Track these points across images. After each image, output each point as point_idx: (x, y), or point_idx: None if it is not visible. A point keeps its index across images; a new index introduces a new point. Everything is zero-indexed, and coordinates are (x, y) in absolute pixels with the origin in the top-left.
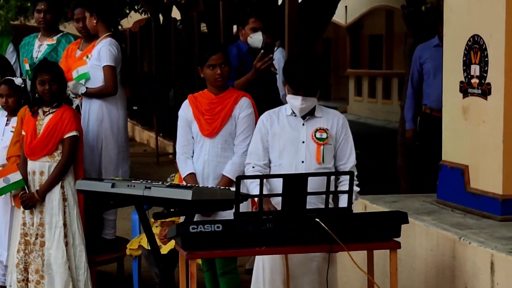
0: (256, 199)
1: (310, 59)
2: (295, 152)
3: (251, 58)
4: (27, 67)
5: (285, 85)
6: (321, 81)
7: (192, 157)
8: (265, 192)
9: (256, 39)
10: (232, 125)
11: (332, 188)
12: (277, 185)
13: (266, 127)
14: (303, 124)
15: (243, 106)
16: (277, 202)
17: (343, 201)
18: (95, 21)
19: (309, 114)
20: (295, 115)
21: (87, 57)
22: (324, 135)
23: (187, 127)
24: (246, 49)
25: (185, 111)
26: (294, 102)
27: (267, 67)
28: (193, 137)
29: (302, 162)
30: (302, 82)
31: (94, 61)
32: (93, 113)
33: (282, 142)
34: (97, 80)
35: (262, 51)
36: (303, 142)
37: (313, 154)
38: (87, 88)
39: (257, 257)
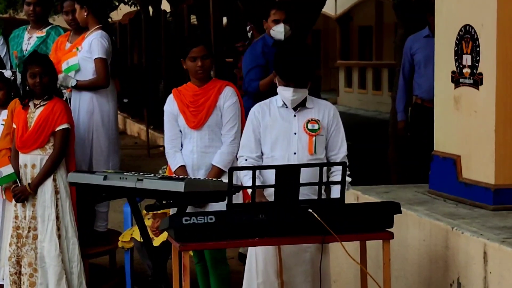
0: (248, 191)
1: (300, 51)
2: (287, 143)
3: None
4: (16, 60)
5: (276, 77)
6: (311, 73)
7: (181, 150)
8: (258, 183)
9: (278, 31)
10: (217, 115)
11: (324, 179)
12: (270, 177)
13: (258, 119)
14: (295, 116)
15: (227, 95)
16: (269, 194)
17: (335, 192)
18: (85, 14)
19: (300, 106)
20: (286, 107)
21: (77, 49)
22: (316, 126)
23: (174, 121)
24: (271, 43)
25: (170, 105)
26: (285, 93)
27: None
28: (180, 131)
29: (294, 153)
30: (292, 73)
31: (85, 53)
32: (84, 105)
33: (274, 134)
34: (88, 73)
35: None
36: (295, 133)
37: (305, 145)
38: (77, 80)
39: (250, 248)
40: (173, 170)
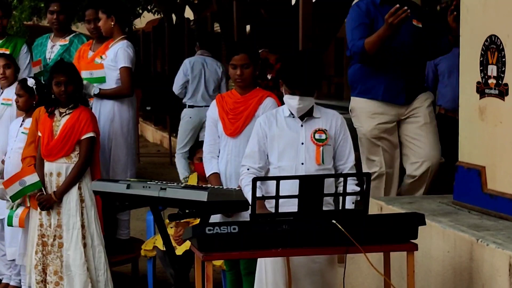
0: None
1: (306, 59)
2: (294, 154)
3: (386, 10)
4: (37, 69)
5: (282, 85)
6: (318, 81)
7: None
8: (260, 194)
9: None
10: None
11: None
12: (273, 187)
13: (264, 130)
14: (302, 126)
15: (267, 106)
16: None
17: (348, 202)
18: (112, 23)
19: (307, 115)
20: (293, 116)
21: (101, 57)
22: (323, 136)
23: (214, 126)
24: (379, 1)
25: (212, 110)
26: (291, 102)
27: (401, 21)
28: (219, 137)
29: (302, 164)
30: (298, 81)
31: (110, 62)
32: (104, 112)
33: (282, 144)
34: (111, 81)
35: (398, 5)
36: (302, 143)
37: (312, 155)
38: (100, 89)
39: (259, 258)
40: (207, 175)
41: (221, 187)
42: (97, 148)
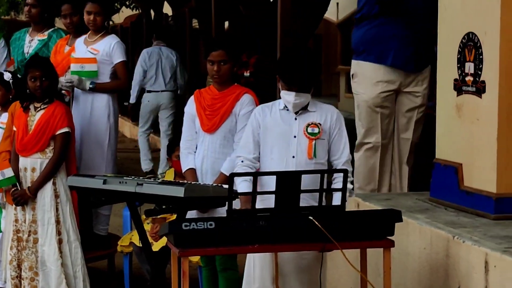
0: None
1: (304, 56)
2: (286, 146)
3: None
4: (11, 69)
5: (279, 81)
6: (314, 78)
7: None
8: (247, 188)
9: None
10: (232, 121)
11: (326, 185)
12: (268, 180)
13: (258, 121)
14: (296, 119)
15: (244, 103)
16: (268, 197)
17: (336, 199)
18: (103, 18)
19: (302, 109)
20: (288, 110)
21: (91, 53)
22: (316, 130)
23: (191, 122)
24: None
25: (190, 106)
26: (288, 98)
27: None
28: (196, 132)
29: (293, 157)
30: (295, 78)
31: (105, 56)
32: (101, 107)
33: (274, 136)
34: (105, 75)
35: None
36: (295, 136)
37: (304, 149)
38: (96, 83)
39: (248, 254)
40: (183, 171)
41: (197, 182)
42: (72, 143)
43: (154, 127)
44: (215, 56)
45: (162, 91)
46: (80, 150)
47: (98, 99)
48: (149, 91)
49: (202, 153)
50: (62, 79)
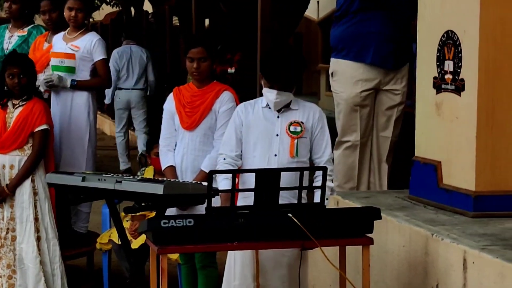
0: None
1: (287, 54)
2: (268, 144)
3: None
4: None
5: (262, 78)
6: (297, 76)
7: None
8: (228, 186)
9: None
10: (212, 119)
11: (306, 183)
12: (250, 177)
13: (241, 118)
14: (278, 117)
15: (224, 100)
16: (250, 195)
17: (317, 197)
18: (84, 14)
19: (284, 107)
20: (270, 107)
21: (72, 49)
22: (298, 129)
23: (170, 119)
24: None
25: (169, 103)
26: (269, 95)
27: None
28: (176, 130)
29: (275, 155)
30: (277, 76)
31: (86, 53)
32: (80, 105)
33: (256, 134)
34: (85, 72)
35: None
36: (277, 135)
37: (286, 147)
38: (77, 80)
39: (229, 251)
40: (162, 168)
41: (177, 180)
42: (51, 141)
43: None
44: (194, 53)
45: (132, 89)
46: (60, 147)
47: (78, 97)
48: (120, 88)
49: (182, 151)
50: (41, 77)
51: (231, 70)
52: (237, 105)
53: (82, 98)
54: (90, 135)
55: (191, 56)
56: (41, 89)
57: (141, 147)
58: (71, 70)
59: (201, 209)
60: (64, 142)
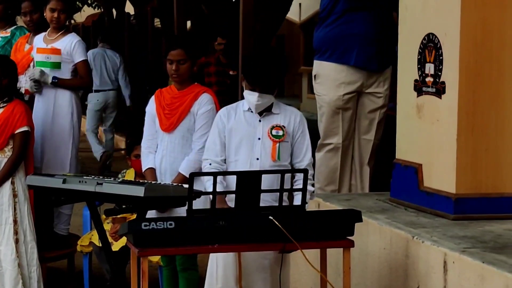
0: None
1: (269, 57)
2: (250, 148)
3: None
4: None
5: (243, 80)
6: (278, 79)
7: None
8: (221, 189)
9: None
10: (190, 121)
11: (290, 185)
12: (233, 181)
13: (223, 122)
14: (260, 121)
15: (202, 102)
16: (231, 199)
17: (297, 200)
18: (66, 16)
19: (266, 111)
20: (252, 111)
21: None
22: (280, 133)
23: (152, 121)
24: None
25: (151, 105)
26: (251, 98)
27: None
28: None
29: (257, 159)
30: (259, 78)
31: (66, 55)
32: (64, 106)
33: (238, 138)
34: (66, 73)
35: None
36: (259, 138)
37: (268, 151)
38: (58, 78)
39: (211, 253)
40: (143, 170)
41: (158, 182)
42: (32, 143)
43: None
44: (173, 55)
45: (109, 90)
46: (42, 149)
47: (60, 97)
48: (97, 91)
49: (161, 153)
50: (21, 79)
51: (233, 73)
52: (216, 107)
53: (65, 99)
54: (74, 136)
55: (170, 58)
56: (22, 90)
57: (108, 145)
58: (57, 66)
59: (180, 211)
60: (47, 143)
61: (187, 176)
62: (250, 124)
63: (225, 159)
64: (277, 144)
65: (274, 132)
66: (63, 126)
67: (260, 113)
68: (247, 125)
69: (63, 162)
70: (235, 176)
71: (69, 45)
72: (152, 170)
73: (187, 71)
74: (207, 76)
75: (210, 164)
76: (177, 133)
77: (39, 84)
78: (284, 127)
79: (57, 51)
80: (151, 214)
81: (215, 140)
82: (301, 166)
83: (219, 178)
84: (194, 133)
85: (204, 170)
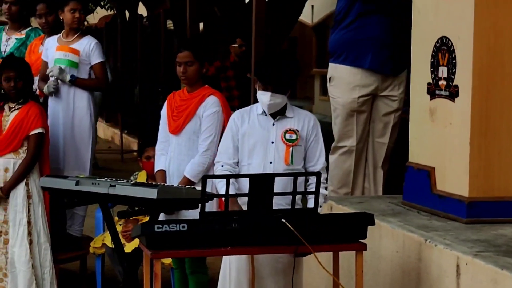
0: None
1: (281, 57)
2: (264, 152)
3: None
4: None
5: (256, 82)
6: (291, 79)
7: None
8: (233, 191)
9: None
10: (196, 123)
11: (303, 188)
12: (245, 184)
13: (237, 126)
14: (273, 124)
15: (208, 105)
16: (244, 202)
17: (311, 203)
18: (84, 16)
19: (279, 114)
20: (266, 115)
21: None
22: (294, 137)
23: (164, 124)
24: None
25: (164, 108)
26: (263, 98)
27: None
28: None
29: (271, 163)
30: (271, 77)
31: (85, 56)
32: (83, 107)
33: (252, 141)
34: (84, 75)
35: None
36: (272, 142)
37: (281, 155)
38: (77, 77)
39: (224, 256)
40: (155, 172)
41: (171, 184)
42: (46, 144)
43: (128, 128)
44: (181, 57)
45: None
46: (64, 150)
47: (79, 98)
48: None
49: (170, 155)
50: (37, 81)
51: (250, 76)
52: (223, 109)
53: (83, 101)
54: (92, 137)
55: (178, 60)
56: (37, 92)
57: None
58: (73, 64)
59: (187, 214)
60: (68, 145)
61: (192, 179)
62: (264, 127)
63: (237, 162)
64: (291, 148)
65: (287, 136)
66: (84, 128)
67: (274, 117)
68: (261, 128)
69: (84, 163)
70: (247, 180)
71: (88, 46)
72: (162, 172)
73: (195, 73)
74: (224, 81)
75: (222, 166)
76: (184, 136)
77: (56, 83)
78: (298, 131)
79: (75, 52)
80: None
81: (228, 143)
82: (314, 170)
83: (231, 180)
84: (200, 135)
85: (216, 173)
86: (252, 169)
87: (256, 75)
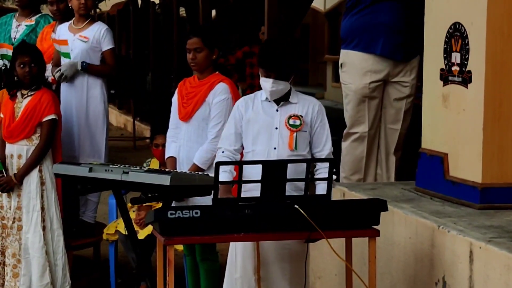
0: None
1: (285, 44)
2: (268, 138)
3: None
4: (3, 51)
5: (259, 68)
6: (294, 66)
7: None
8: (230, 178)
9: None
10: (206, 110)
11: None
12: (250, 171)
13: (241, 113)
14: (277, 110)
15: (217, 92)
16: (249, 189)
17: (320, 189)
18: (93, 2)
19: (283, 100)
20: (269, 101)
21: (81, 40)
22: (298, 122)
23: (175, 111)
24: None
25: (175, 95)
26: (266, 84)
27: None
28: None
29: (275, 148)
30: (273, 64)
31: (95, 43)
32: (96, 94)
33: (256, 128)
34: (95, 62)
35: None
36: (276, 128)
37: (285, 140)
38: (87, 63)
39: (231, 242)
40: (165, 159)
41: (183, 171)
42: (59, 131)
43: (141, 115)
44: (190, 44)
45: None
46: (79, 137)
47: (93, 86)
48: None
49: (180, 142)
50: (49, 68)
51: None
52: (232, 96)
53: (96, 89)
54: (106, 124)
55: (188, 47)
56: (50, 79)
57: None
58: (66, 55)
59: (195, 201)
60: (82, 132)
61: (201, 166)
62: (268, 113)
63: (238, 149)
64: (294, 134)
65: (291, 121)
66: (98, 115)
67: (278, 103)
68: (264, 115)
69: (100, 150)
70: (252, 166)
71: (98, 33)
72: (172, 159)
73: (204, 59)
74: (249, 67)
75: (223, 152)
76: (193, 123)
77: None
78: (302, 116)
79: (64, 42)
80: None
81: (230, 130)
82: (321, 156)
83: (228, 167)
84: (209, 122)
85: (217, 159)
86: (256, 155)
87: (258, 62)
